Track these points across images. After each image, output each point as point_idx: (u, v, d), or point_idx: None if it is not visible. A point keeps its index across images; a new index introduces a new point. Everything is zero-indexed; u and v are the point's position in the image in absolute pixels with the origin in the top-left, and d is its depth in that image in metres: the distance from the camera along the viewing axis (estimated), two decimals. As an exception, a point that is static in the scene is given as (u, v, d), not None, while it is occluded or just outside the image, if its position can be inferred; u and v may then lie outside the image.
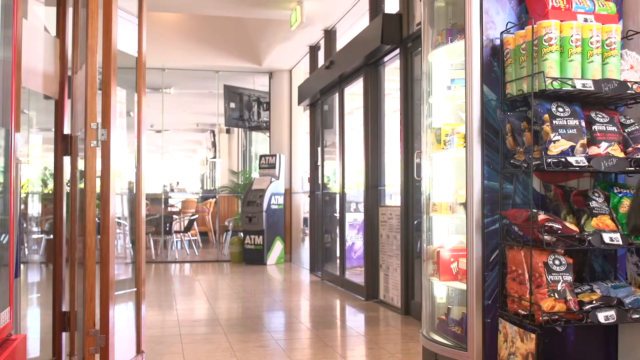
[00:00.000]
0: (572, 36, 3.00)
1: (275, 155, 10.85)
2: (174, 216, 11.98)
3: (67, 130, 3.71)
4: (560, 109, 2.98)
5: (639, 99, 3.13)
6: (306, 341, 5.10)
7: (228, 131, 16.08)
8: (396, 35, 6.10)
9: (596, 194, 3.06)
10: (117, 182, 3.83)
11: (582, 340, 3.25)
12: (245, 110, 11.78)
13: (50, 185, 5.18)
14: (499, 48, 3.24)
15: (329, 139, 9.00)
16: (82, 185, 3.41)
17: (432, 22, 3.96)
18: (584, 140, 2.97)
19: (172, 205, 13.46)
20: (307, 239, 10.52)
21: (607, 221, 2.96)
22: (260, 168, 11.06)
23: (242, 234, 10.88)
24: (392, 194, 6.98)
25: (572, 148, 2.93)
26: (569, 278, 2.94)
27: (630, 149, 3.05)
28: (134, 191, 3.95)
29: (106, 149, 3.21)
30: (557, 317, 2.86)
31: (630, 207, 2.85)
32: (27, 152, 6.32)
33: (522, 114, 3.10)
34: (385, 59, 6.75)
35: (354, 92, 7.94)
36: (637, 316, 2.91)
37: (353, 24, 8.31)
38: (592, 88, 2.95)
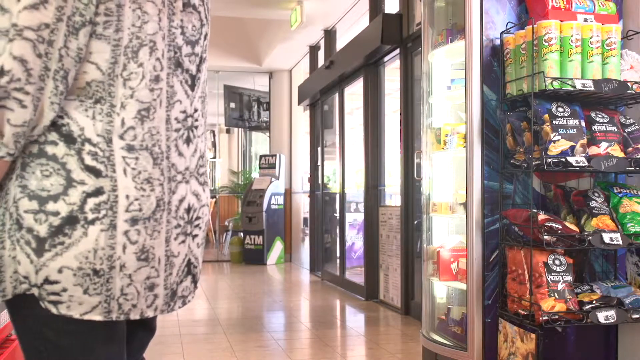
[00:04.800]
0: (572, 36, 3.00)
1: (275, 155, 10.84)
2: (174, 216, 11.96)
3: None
4: (560, 109, 2.98)
5: (639, 99, 3.13)
6: (306, 341, 5.10)
7: (228, 131, 16.08)
8: (396, 35, 6.10)
9: (596, 194, 3.06)
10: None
11: (582, 340, 3.25)
12: (245, 110, 11.77)
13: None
14: (499, 48, 3.24)
15: (329, 139, 9.00)
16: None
17: (432, 22, 3.96)
18: (584, 140, 2.97)
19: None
20: (307, 239, 10.51)
21: (607, 221, 2.95)
22: (260, 168, 11.05)
23: (242, 234, 10.88)
24: (392, 194, 6.98)
25: (572, 148, 2.93)
26: (569, 278, 2.95)
27: (630, 149, 3.05)
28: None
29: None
30: (557, 317, 2.87)
31: None
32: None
33: (522, 114, 3.10)
34: (385, 59, 6.75)
35: (354, 92, 7.93)
36: (637, 316, 2.91)
37: (353, 24, 8.31)
38: (592, 88, 2.95)
